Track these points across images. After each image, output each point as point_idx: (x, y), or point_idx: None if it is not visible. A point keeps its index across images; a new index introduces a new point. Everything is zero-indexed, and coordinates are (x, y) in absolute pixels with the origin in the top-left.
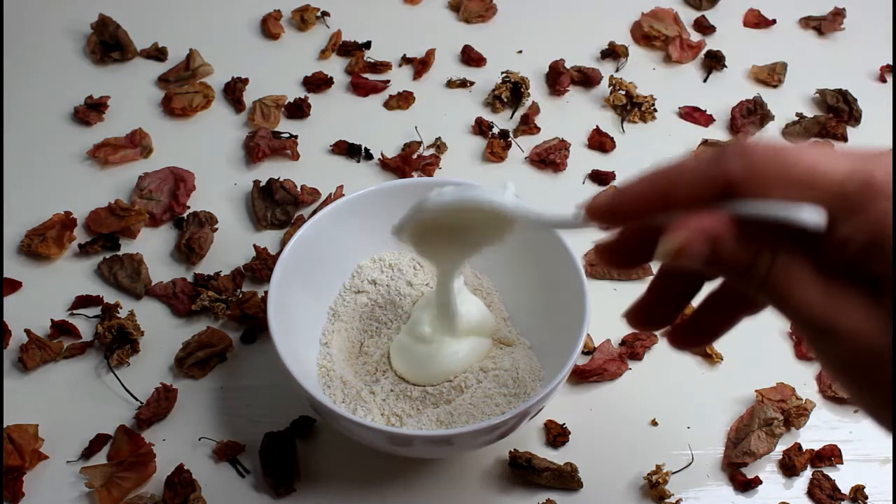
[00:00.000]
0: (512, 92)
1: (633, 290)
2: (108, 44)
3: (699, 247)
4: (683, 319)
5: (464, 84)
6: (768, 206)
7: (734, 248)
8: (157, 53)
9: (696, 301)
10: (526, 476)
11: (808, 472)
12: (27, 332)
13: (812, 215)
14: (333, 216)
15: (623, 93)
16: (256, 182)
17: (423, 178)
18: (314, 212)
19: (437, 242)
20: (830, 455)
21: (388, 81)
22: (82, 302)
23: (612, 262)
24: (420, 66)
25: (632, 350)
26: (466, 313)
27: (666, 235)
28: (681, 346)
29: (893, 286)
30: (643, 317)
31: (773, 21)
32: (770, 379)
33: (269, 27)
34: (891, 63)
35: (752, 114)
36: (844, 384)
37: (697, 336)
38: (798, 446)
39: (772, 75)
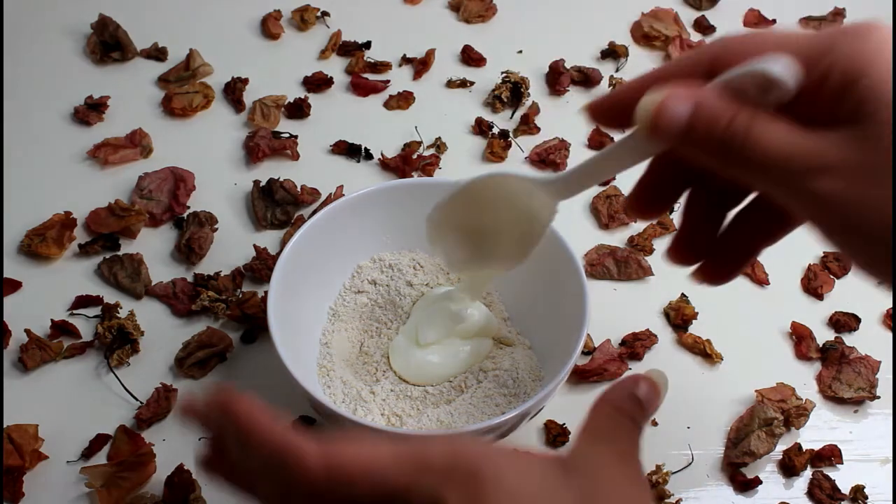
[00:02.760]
0: (512, 92)
1: (633, 290)
2: (108, 44)
3: (682, 105)
4: (712, 252)
5: (464, 84)
6: (743, 67)
7: (714, 105)
8: (157, 53)
9: (724, 227)
10: None
11: (808, 472)
12: (27, 332)
13: (785, 66)
14: (333, 216)
15: None
16: (256, 182)
17: (423, 178)
18: (314, 212)
19: (463, 243)
20: (830, 455)
21: (388, 81)
22: (82, 302)
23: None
24: (420, 66)
25: (632, 350)
26: (470, 316)
27: (643, 97)
28: (718, 279)
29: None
30: (641, 204)
31: (773, 21)
32: (770, 379)
33: (269, 27)
34: None
35: None
36: (846, 240)
37: (733, 263)
38: (798, 446)
39: None
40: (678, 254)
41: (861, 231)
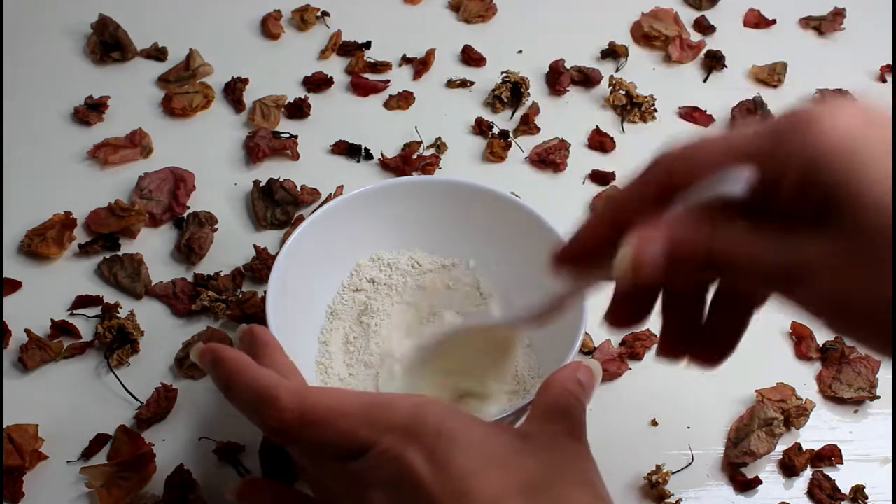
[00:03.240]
0: (512, 92)
1: None
2: (108, 44)
3: (655, 248)
4: (696, 340)
5: (464, 84)
6: (704, 190)
7: (687, 236)
8: (157, 53)
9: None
10: None
11: (808, 472)
12: (27, 332)
13: (745, 182)
14: (332, 215)
15: (623, 93)
16: (256, 182)
17: (420, 176)
18: (314, 212)
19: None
20: (830, 455)
21: (388, 81)
22: (82, 302)
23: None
24: (420, 66)
25: (632, 350)
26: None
27: (618, 253)
28: (713, 362)
29: None
30: (623, 317)
31: (773, 21)
32: (770, 379)
33: (269, 27)
34: (891, 63)
35: (752, 114)
36: (831, 324)
37: (718, 348)
38: (798, 446)
39: (772, 75)
40: (668, 351)
41: (850, 319)
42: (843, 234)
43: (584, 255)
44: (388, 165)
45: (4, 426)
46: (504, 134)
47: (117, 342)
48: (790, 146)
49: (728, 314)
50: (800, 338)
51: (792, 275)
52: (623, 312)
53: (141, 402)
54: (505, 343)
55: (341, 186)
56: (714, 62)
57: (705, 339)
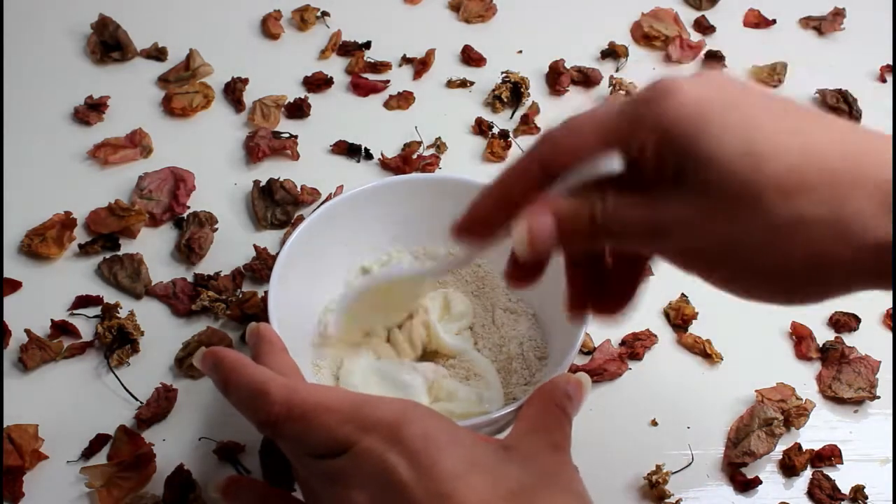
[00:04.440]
0: (512, 92)
1: None
2: (108, 44)
3: (544, 221)
4: (599, 295)
5: (464, 84)
6: (579, 176)
7: (570, 207)
8: (157, 53)
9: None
10: None
11: (808, 472)
12: (27, 332)
13: (614, 162)
14: (332, 213)
15: (623, 93)
16: (256, 182)
17: (420, 174)
18: (314, 212)
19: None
20: (830, 455)
21: (388, 81)
22: (82, 302)
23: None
24: (420, 66)
25: (632, 350)
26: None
27: (513, 230)
28: (611, 314)
29: None
30: (522, 278)
31: (773, 21)
32: (770, 379)
33: (269, 27)
34: (891, 63)
35: None
36: (694, 271)
37: (618, 300)
38: (798, 446)
39: (772, 75)
40: (574, 306)
41: (711, 267)
42: (693, 191)
43: (478, 227)
44: (388, 165)
45: (4, 426)
46: (504, 134)
47: (117, 342)
48: (646, 121)
49: (623, 268)
50: (800, 338)
51: (657, 233)
52: (521, 274)
53: (141, 402)
54: (417, 288)
55: (341, 186)
56: (714, 62)
57: (606, 292)
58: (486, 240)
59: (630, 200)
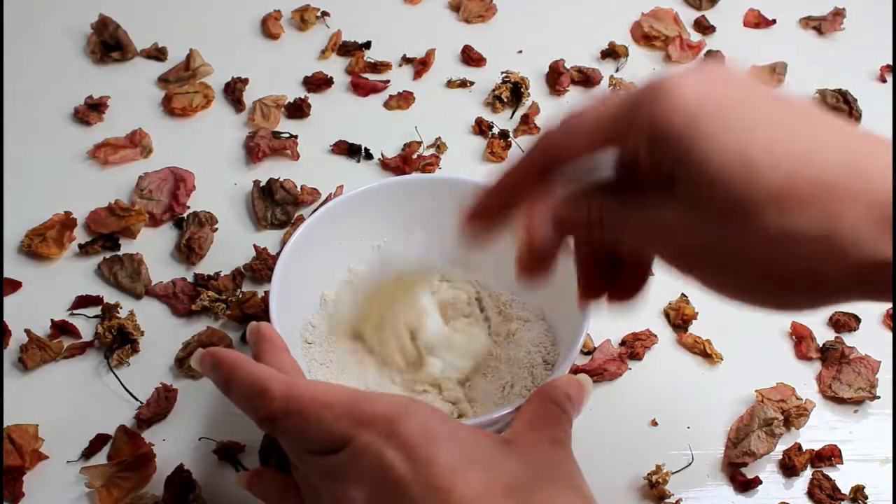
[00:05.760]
0: (512, 92)
1: None
2: (108, 44)
3: (542, 222)
4: (610, 284)
5: (464, 84)
6: (577, 171)
7: (568, 210)
8: (157, 53)
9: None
10: None
11: (808, 472)
12: (27, 332)
13: (604, 162)
14: (333, 213)
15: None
16: (256, 182)
17: (421, 174)
18: (314, 212)
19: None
20: (830, 455)
21: (388, 81)
22: (82, 302)
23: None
24: (420, 66)
25: (632, 350)
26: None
27: (515, 235)
28: (624, 302)
29: None
30: (533, 272)
31: (773, 21)
32: (770, 379)
33: (269, 27)
34: (891, 63)
35: None
36: (689, 274)
37: (629, 289)
38: (798, 446)
39: (772, 75)
40: (586, 296)
41: (704, 270)
42: (685, 197)
43: (483, 220)
44: (388, 165)
45: (4, 426)
46: (504, 134)
47: (117, 342)
48: (639, 123)
49: (631, 261)
50: (800, 338)
51: (649, 236)
52: (531, 268)
53: (141, 402)
54: (424, 277)
55: (341, 186)
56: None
57: (618, 282)
58: (492, 228)
59: (625, 202)
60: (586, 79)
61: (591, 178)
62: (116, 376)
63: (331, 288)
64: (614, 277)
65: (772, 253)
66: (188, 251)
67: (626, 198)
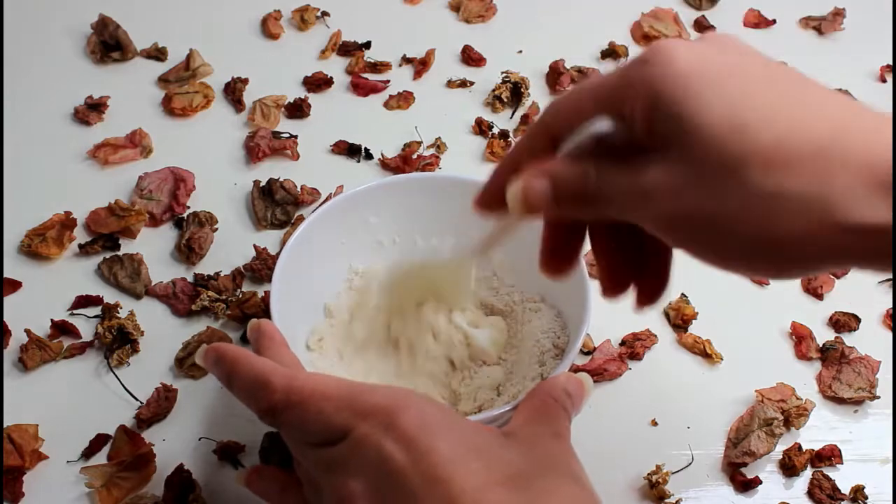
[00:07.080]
0: (512, 92)
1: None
2: (108, 44)
3: (539, 182)
4: (632, 281)
5: (464, 84)
6: (576, 135)
7: (565, 170)
8: (157, 53)
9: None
10: None
11: (808, 472)
12: (27, 332)
13: (606, 124)
14: (333, 213)
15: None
16: (256, 182)
17: (422, 173)
18: (314, 212)
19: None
20: (830, 455)
21: (388, 81)
22: (82, 302)
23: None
24: (420, 66)
25: (632, 350)
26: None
27: (508, 189)
28: (649, 300)
29: None
30: (553, 263)
31: (773, 21)
32: (770, 379)
33: (269, 27)
34: (891, 63)
35: None
36: (676, 241)
37: (652, 286)
38: (798, 446)
39: None
40: (611, 290)
41: (691, 236)
42: (677, 157)
43: (494, 199)
44: (388, 165)
45: (4, 426)
46: (504, 134)
47: (117, 342)
48: (637, 83)
49: (650, 255)
50: (800, 338)
51: (641, 198)
52: (552, 258)
53: (141, 402)
54: (459, 272)
55: (341, 186)
56: None
57: (639, 278)
58: (501, 206)
59: (619, 166)
60: (586, 79)
61: (588, 145)
62: (116, 376)
63: (331, 288)
64: (636, 270)
65: (762, 213)
66: (188, 251)
67: (623, 165)
